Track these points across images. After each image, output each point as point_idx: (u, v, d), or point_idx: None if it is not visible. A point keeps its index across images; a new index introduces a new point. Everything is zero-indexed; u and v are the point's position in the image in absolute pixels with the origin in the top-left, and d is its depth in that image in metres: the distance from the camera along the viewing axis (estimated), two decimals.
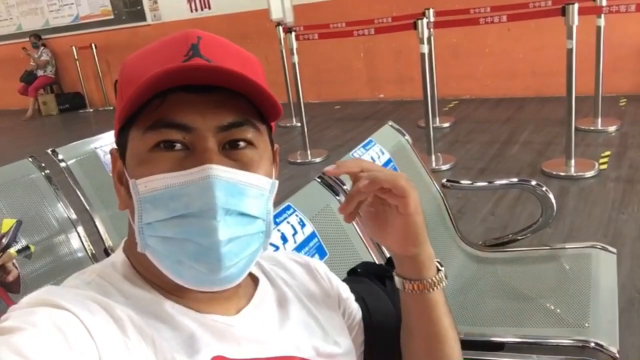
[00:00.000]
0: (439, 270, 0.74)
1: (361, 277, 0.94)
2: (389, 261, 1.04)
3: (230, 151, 0.60)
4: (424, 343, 0.76)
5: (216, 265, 0.57)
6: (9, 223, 1.56)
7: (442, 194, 2.00)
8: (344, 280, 0.86)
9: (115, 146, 0.66)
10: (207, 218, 0.56)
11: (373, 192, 0.68)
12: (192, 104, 0.58)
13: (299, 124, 4.86)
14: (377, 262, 1.42)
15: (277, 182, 0.64)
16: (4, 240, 1.44)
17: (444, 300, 0.75)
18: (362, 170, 0.68)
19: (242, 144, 0.60)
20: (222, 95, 0.59)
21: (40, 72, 8.79)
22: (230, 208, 0.57)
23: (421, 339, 0.76)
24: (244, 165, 0.60)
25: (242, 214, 0.58)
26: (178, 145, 0.58)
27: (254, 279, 0.73)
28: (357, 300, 0.84)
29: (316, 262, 0.83)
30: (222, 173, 0.57)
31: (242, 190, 0.58)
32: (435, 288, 0.73)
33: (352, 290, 0.85)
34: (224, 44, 0.63)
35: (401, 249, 0.72)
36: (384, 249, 1.54)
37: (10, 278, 1.36)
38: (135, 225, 0.59)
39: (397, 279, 0.75)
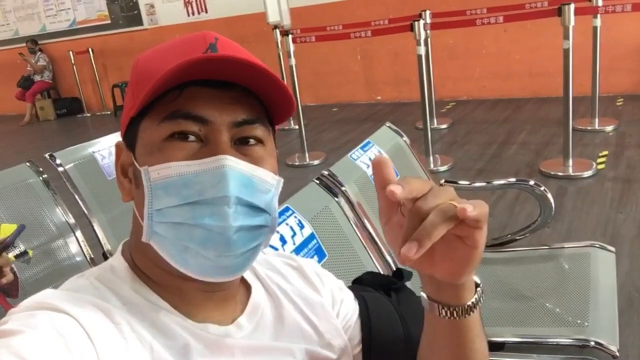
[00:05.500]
0: (477, 287, 0.63)
1: (365, 286, 0.94)
2: (395, 274, 1.03)
3: (241, 147, 0.62)
4: None
5: (224, 251, 0.58)
6: (9, 228, 1.54)
7: None
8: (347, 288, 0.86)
9: (115, 145, 0.67)
10: (220, 205, 0.57)
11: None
12: (209, 98, 0.60)
13: (296, 127, 4.86)
14: (380, 271, 1.41)
15: (282, 180, 0.65)
16: None
17: (479, 320, 0.66)
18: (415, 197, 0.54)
19: (252, 141, 0.62)
20: (236, 92, 0.61)
21: (37, 77, 8.78)
22: (242, 197, 0.58)
23: None
24: (253, 161, 0.61)
25: (252, 206, 0.59)
26: (191, 137, 0.60)
27: (247, 286, 0.73)
28: (356, 297, 0.83)
29: (309, 264, 0.82)
30: (235, 164, 0.58)
31: (253, 183, 0.60)
32: (473, 311, 0.63)
33: (352, 290, 0.84)
34: (238, 46, 0.65)
35: (450, 279, 0.60)
36: (384, 251, 1.53)
37: (4, 281, 1.35)
38: (144, 212, 0.59)
39: (430, 303, 0.64)
